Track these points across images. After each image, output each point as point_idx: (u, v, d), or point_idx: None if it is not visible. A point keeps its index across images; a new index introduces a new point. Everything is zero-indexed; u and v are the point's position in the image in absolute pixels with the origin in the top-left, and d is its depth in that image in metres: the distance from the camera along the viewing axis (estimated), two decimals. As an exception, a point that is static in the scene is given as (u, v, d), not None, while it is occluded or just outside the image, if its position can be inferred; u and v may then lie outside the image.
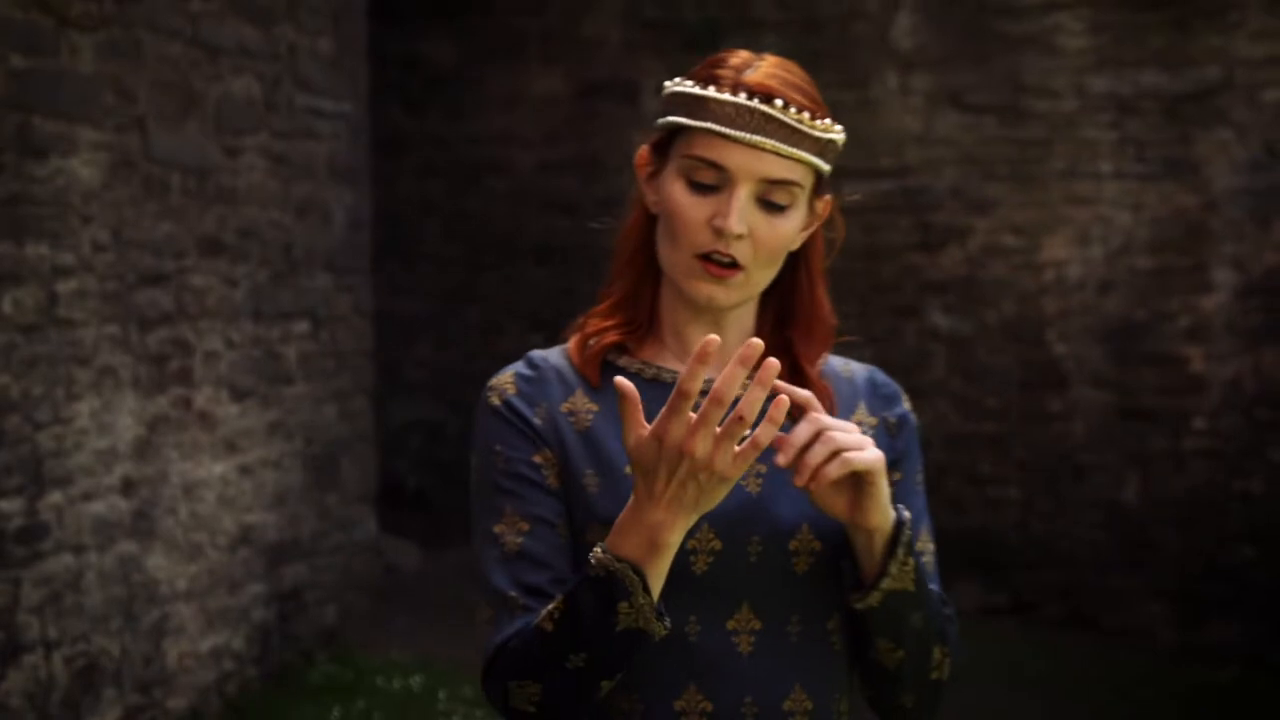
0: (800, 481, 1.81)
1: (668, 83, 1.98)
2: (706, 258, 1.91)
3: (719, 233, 1.88)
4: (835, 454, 1.81)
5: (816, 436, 1.81)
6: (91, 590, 5.12)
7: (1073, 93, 7.79)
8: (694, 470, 1.71)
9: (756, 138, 1.87)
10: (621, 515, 1.78)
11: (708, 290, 1.92)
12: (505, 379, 1.97)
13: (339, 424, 6.80)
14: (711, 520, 1.88)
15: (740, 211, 1.88)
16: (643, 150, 2.00)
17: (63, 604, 4.97)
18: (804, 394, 1.85)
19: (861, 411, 2.03)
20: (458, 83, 8.83)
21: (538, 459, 1.92)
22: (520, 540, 1.88)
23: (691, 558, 1.89)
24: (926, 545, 2.02)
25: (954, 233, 8.00)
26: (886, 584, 1.88)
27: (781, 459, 1.81)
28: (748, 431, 1.71)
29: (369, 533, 7.11)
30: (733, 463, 1.72)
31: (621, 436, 1.77)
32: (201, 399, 5.77)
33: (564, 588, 1.85)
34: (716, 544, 1.90)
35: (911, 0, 8.03)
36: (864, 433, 1.89)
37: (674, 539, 1.77)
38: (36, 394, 4.86)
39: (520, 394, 1.95)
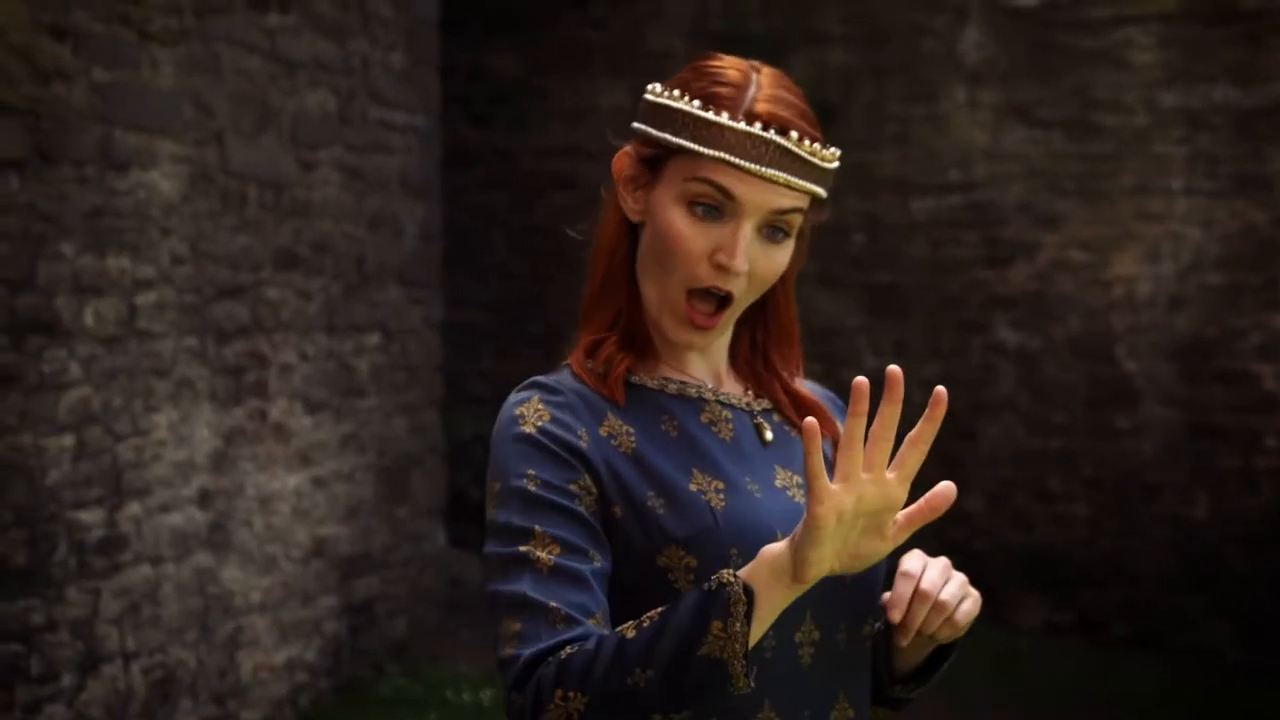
0: (934, 628, 1.79)
1: (655, 90, 1.87)
2: (696, 294, 1.85)
3: (720, 269, 1.83)
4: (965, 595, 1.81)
5: (947, 580, 1.80)
6: (169, 601, 5.15)
7: (1143, 107, 7.73)
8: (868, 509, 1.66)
9: (771, 171, 1.80)
10: (773, 548, 1.69)
11: (688, 337, 1.88)
12: (534, 406, 1.85)
13: (409, 437, 6.81)
14: (783, 529, 1.81)
15: (745, 249, 1.81)
16: (626, 155, 1.90)
17: (141, 615, 5.00)
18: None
19: (838, 424, 1.98)
20: (523, 96, 8.85)
21: (574, 487, 1.80)
22: (554, 559, 1.75)
23: None
24: None
25: (1022, 248, 7.96)
26: (929, 680, 1.95)
27: (921, 614, 1.77)
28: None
29: (438, 546, 7.12)
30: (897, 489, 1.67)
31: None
32: (276, 411, 5.79)
33: (598, 605, 1.76)
34: None
35: (979, 14, 8.00)
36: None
37: (817, 575, 1.67)
38: (116, 405, 4.88)
39: (556, 420, 1.83)
